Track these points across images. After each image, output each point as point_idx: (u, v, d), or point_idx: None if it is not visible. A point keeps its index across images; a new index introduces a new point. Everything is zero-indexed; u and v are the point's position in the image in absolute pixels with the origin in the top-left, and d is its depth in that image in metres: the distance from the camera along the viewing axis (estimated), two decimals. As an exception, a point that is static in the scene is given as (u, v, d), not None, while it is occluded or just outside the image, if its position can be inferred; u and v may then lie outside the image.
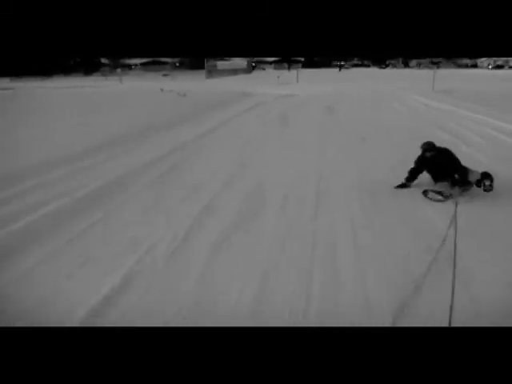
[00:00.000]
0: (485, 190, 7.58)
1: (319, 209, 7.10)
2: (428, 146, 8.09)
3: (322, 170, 9.56)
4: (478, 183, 7.68)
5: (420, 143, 8.08)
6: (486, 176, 7.66)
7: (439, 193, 7.65)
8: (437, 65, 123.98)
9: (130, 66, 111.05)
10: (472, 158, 9.49)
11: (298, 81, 50.46)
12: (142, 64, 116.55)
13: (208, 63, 76.72)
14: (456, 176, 7.72)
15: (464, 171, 7.78)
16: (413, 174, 8.18)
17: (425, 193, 7.76)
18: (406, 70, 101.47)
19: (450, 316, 3.95)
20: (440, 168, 7.98)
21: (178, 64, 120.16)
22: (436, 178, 8.12)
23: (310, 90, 35.09)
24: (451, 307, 4.09)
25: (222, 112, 20.94)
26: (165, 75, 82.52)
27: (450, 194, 7.56)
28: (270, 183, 8.57)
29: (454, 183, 7.70)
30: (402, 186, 8.16)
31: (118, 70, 69.51)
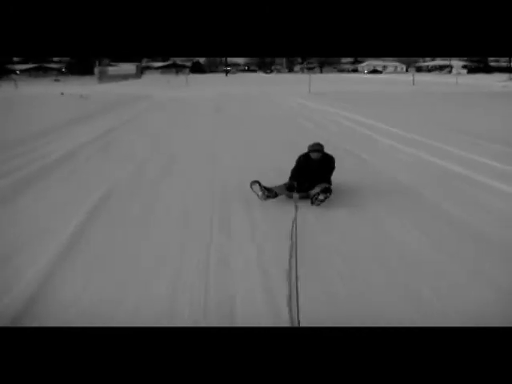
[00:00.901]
0: (312, 203, 7.37)
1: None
2: (317, 147, 7.82)
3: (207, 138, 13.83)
4: (312, 196, 7.40)
5: (286, 129, 10.86)
6: (325, 191, 7.30)
7: (268, 190, 7.44)
8: (320, 69, 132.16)
9: (14, 72, 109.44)
10: (323, 138, 11.45)
11: (187, 85, 54.44)
12: (26, 70, 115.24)
13: (99, 68, 78.84)
14: (306, 184, 7.61)
15: (319, 182, 7.60)
16: (297, 175, 7.84)
17: (252, 183, 7.47)
18: (290, 75, 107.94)
19: (298, 316, 4.01)
20: (316, 173, 7.70)
21: (64, 69, 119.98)
22: (299, 178, 7.72)
23: (200, 93, 39.09)
24: (297, 309, 4.14)
25: (126, 109, 24.66)
26: (56, 80, 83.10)
27: (275, 195, 7.49)
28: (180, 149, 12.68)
29: (299, 189, 7.56)
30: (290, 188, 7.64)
31: (13, 76, 69.96)
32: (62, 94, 39.62)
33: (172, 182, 9.13)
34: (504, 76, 73.15)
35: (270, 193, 7.45)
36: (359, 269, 5.16)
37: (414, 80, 53.19)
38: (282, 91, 39.20)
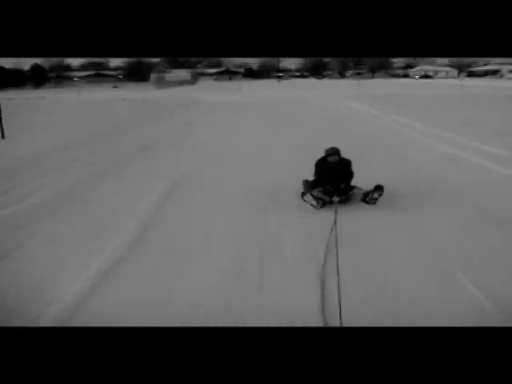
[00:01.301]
0: (366, 202, 7.68)
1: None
2: (332, 152, 8.01)
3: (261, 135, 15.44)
4: (366, 196, 7.72)
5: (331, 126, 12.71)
6: (377, 189, 7.67)
7: (318, 198, 7.63)
8: (372, 74, 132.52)
9: (71, 78, 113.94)
10: (378, 145, 13.69)
11: (241, 90, 56.35)
12: (84, 77, 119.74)
13: (156, 75, 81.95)
14: (342, 185, 7.79)
15: (349, 185, 7.91)
16: (315, 182, 8.05)
17: (303, 194, 7.79)
18: (342, 80, 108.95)
19: (340, 318, 4.07)
20: (336, 175, 7.88)
21: (120, 76, 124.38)
22: (322, 184, 7.85)
23: (253, 98, 40.81)
24: (340, 309, 4.20)
25: (181, 114, 26.49)
26: (115, 87, 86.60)
27: (328, 202, 7.67)
28: (238, 140, 14.35)
29: (336, 192, 7.70)
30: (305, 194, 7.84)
31: (77, 83, 73.76)
32: (124, 99, 42.09)
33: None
34: None
35: (322, 200, 7.63)
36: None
37: (462, 85, 53.64)
38: (333, 96, 40.57)
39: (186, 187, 9.10)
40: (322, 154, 8.01)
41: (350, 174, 8.04)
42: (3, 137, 16.07)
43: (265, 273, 5.18)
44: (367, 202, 7.67)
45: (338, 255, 5.49)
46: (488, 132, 14.64)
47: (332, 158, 7.95)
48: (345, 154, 8.02)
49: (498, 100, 31.77)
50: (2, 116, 16.42)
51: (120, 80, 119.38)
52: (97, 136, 16.48)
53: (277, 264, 5.42)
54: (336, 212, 7.11)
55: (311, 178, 8.11)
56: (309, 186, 7.92)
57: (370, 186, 7.77)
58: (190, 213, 7.43)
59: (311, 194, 7.61)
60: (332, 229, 6.44)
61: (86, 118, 24.64)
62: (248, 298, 4.60)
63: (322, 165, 8.06)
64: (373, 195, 7.62)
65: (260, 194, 8.53)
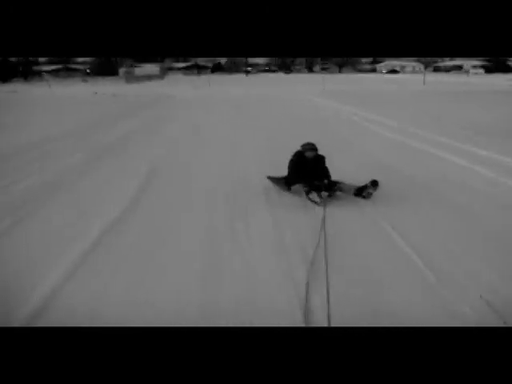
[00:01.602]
0: (363, 197, 7.66)
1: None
2: (312, 146, 8.14)
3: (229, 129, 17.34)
4: (361, 191, 7.70)
5: (288, 120, 15.19)
6: (373, 184, 7.62)
7: (318, 195, 7.59)
8: (339, 69, 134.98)
9: (39, 73, 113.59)
10: (332, 132, 15.84)
11: (210, 85, 57.98)
12: (52, 70, 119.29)
13: (126, 69, 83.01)
14: (325, 181, 7.86)
15: (331, 180, 7.98)
16: (295, 176, 8.07)
17: (307, 192, 7.70)
18: (309, 75, 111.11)
19: (329, 316, 4.07)
20: (313, 171, 8.00)
21: (88, 70, 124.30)
22: (300, 181, 7.91)
23: (221, 92, 42.51)
24: (328, 308, 4.20)
25: (151, 109, 27.78)
26: (84, 81, 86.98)
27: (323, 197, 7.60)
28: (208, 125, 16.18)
29: (322, 188, 7.70)
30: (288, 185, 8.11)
31: (46, 76, 74.33)
32: (96, 93, 43.47)
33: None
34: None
35: (321, 197, 7.58)
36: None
37: (424, 80, 56.28)
38: (299, 90, 42.74)
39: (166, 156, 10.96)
40: (277, 134, 9.67)
41: (327, 170, 8.20)
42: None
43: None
44: (363, 197, 7.69)
45: (326, 257, 5.38)
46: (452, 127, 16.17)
47: (309, 154, 8.12)
48: (309, 138, 8.87)
49: (449, 95, 34.25)
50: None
51: (88, 74, 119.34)
52: (70, 131, 18.09)
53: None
54: (324, 208, 7.08)
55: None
56: (282, 183, 8.21)
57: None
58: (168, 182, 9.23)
59: (306, 190, 7.67)
60: (321, 228, 6.36)
61: (59, 112, 26.12)
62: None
63: (298, 160, 8.15)
64: (368, 190, 7.64)
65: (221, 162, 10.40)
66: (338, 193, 7.90)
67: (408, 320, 4.18)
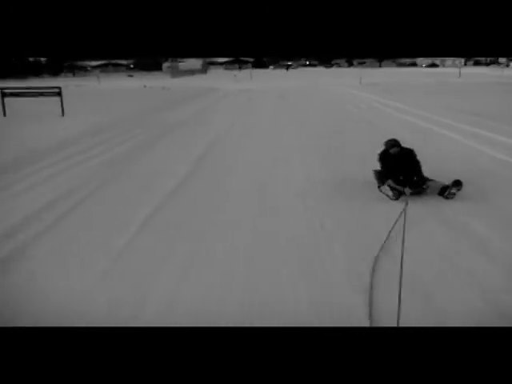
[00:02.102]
0: (446, 197, 7.52)
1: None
2: (393, 143, 8.13)
3: (276, 120, 20.24)
4: (443, 191, 7.58)
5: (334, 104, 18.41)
6: (456, 184, 7.52)
7: (394, 189, 7.62)
8: (379, 63, 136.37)
9: (85, 68, 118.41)
10: (361, 117, 18.81)
11: (251, 78, 61.00)
12: (96, 66, 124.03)
13: (171, 64, 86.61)
14: (415, 178, 7.76)
15: (421, 176, 7.89)
16: (384, 174, 8.08)
17: (379, 186, 7.89)
18: (349, 69, 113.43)
19: (398, 317, 3.97)
20: (401, 166, 7.91)
21: (132, 66, 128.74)
22: (390, 177, 7.91)
23: (263, 86, 45.53)
24: (399, 308, 4.05)
25: (201, 99, 30.85)
26: (130, 76, 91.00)
27: (402, 193, 7.57)
28: (256, 120, 19.14)
29: (409, 184, 7.62)
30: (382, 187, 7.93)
31: (96, 72, 78.63)
32: (145, 86, 46.82)
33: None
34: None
35: (398, 191, 7.59)
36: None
37: (460, 73, 58.34)
38: (337, 83, 45.43)
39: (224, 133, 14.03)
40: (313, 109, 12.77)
41: (417, 163, 8.06)
42: (63, 115, 20.59)
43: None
44: (446, 197, 7.53)
45: (402, 254, 4.93)
46: (456, 112, 18.69)
47: (393, 150, 8.11)
48: (339, 121, 12.32)
49: (483, 86, 36.51)
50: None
51: (131, 69, 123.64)
52: (141, 113, 21.27)
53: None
54: (406, 204, 6.62)
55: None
56: (380, 178, 8.14)
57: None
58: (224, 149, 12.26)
59: (388, 185, 7.70)
60: (399, 220, 6.21)
61: (122, 100, 29.30)
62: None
63: (385, 158, 8.20)
64: (451, 190, 7.50)
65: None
66: (428, 190, 7.75)
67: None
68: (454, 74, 62.78)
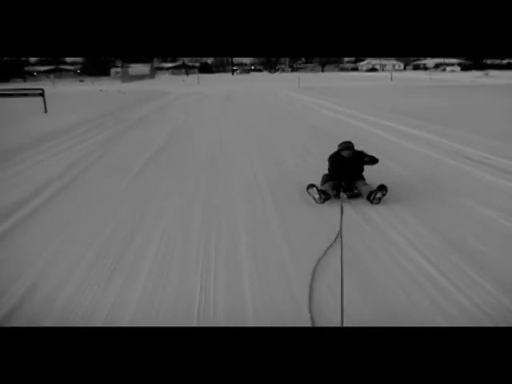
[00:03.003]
0: (371, 202, 7.67)
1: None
2: (348, 145, 8.14)
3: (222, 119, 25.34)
4: (370, 195, 7.70)
5: (272, 107, 24.14)
6: (381, 188, 7.67)
7: (323, 192, 7.74)
8: (322, 68, 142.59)
9: (32, 73, 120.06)
10: (294, 113, 23.72)
11: (199, 83, 65.96)
12: (44, 71, 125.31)
13: (121, 69, 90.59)
14: (354, 182, 8.03)
15: (362, 180, 8.12)
16: (336, 175, 8.13)
17: (309, 186, 7.84)
18: (293, 74, 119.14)
19: (342, 316, 4.03)
20: (350, 170, 8.07)
21: (79, 71, 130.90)
22: (334, 178, 8.05)
23: (211, 89, 50.52)
24: (342, 308, 4.13)
25: (157, 100, 35.67)
26: (81, 81, 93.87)
27: (330, 197, 7.78)
28: (204, 115, 24.14)
29: (345, 188, 7.88)
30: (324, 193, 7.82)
31: (51, 77, 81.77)
32: (101, 90, 51.08)
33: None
34: (481, 72, 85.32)
35: (325, 195, 7.72)
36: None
37: (392, 77, 64.72)
38: (279, 87, 50.92)
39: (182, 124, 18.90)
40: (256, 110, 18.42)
41: (362, 165, 8.27)
42: (46, 111, 24.91)
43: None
44: (371, 202, 7.74)
45: (342, 256, 5.13)
46: (382, 111, 22.73)
47: (345, 153, 8.12)
48: (276, 116, 17.79)
49: (401, 89, 42.66)
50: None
51: (79, 74, 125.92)
52: (109, 112, 25.96)
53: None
54: (342, 209, 6.64)
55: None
56: (325, 180, 8.19)
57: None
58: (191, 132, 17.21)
59: (317, 188, 7.78)
60: (339, 232, 6.37)
61: (87, 103, 33.57)
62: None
63: (336, 160, 8.22)
64: (376, 195, 7.68)
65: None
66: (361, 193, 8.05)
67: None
68: (387, 77, 69.10)
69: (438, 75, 79.81)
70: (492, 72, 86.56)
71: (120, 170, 11.01)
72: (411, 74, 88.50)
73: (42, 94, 24.66)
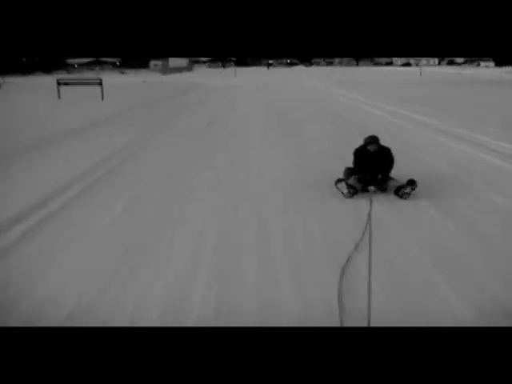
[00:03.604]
0: (400, 197, 7.82)
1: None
2: (372, 140, 8.19)
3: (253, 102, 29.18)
4: (398, 190, 7.88)
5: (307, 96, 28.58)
6: (410, 183, 7.84)
7: (351, 186, 7.96)
8: (357, 62, 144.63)
9: (73, 66, 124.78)
10: (327, 105, 27.12)
11: (235, 75, 69.80)
12: (83, 64, 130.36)
13: (162, 62, 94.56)
14: (379, 176, 8.07)
15: (387, 175, 8.21)
16: (355, 168, 8.29)
17: (337, 181, 8.12)
18: (328, 67, 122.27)
19: (369, 315, 4.25)
20: (376, 165, 8.10)
21: (118, 64, 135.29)
22: (363, 173, 8.12)
23: (246, 81, 54.27)
24: (369, 306, 4.36)
25: (200, 89, 40.05)
26: (122, 73, 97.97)
27: (357, 191, 8.02)
28: (241, 102, 27.97)
29: (372, 182, 8.03)
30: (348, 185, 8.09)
31: (96, 69, 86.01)
32: (144, 81, 55.06)
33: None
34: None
35: (354, 190, 7.99)
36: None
37: (421, 72, 67.70)
38: (311, 80, 54.87)
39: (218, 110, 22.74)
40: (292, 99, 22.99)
41: (391, 162, 8.32)
42: (103, 99, 29.00)
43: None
44: (400, 196, 7.86)
45: (370, 253, 5.52)
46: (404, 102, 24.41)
47: (371, 147, 8.17)
48: (303, 102, 22.65)
49: (434, 82, 46.02)
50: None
51: (118, 67, 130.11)
52: (157, 98, 30.01)
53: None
54: (371, 202, 7.12)
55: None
56: (349, 174, 8.27)
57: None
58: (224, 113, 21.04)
59: (345, 182, 7.99)
60: (366, 224, 6.70)
61: (135, 92, 37.76)
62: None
63: (361, 154, 8.30)
64: (405, 190, 7.80)
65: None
66: (388, 188, 8.22)
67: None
68: (417, 72, 71.98)
69: (469, 70, 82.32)
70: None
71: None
72: (442, 69, 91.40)
73: (101, 84, 28.91)
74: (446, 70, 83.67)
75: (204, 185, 9.35)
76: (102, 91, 28.64)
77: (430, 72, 71.54)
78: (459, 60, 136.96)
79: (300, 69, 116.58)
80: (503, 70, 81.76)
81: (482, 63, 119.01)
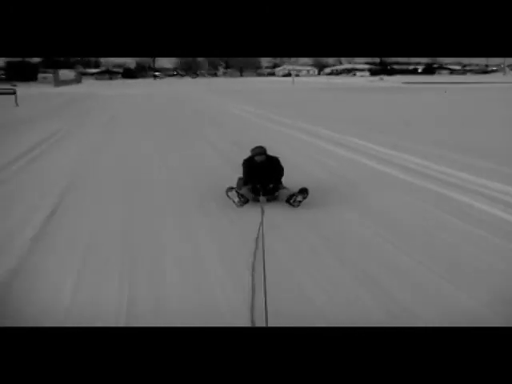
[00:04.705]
0: (291, 205, 7.92)
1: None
2: (260, 150, 8.35)
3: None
4: (290, 198, 7.98)
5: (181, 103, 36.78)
6: (302, 192, 7.95)
7: (242, 195, 7.98)
8: (240, 73, 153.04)
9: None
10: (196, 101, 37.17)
11: (124, 86, 76.68)
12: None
13: (53, 75, 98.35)
14: (270, 185, 8.25)
15: (278, 184, 8.36)
16: (246, 179, 8.41)
17: (229, 190, 8.08)
18: (211, 79, 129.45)
19: (266, 316, 4.37)
20: (264, 175, 8.25)
21: (3, 76, 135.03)
22: (253, 183, 8.27)
23: (135, 91, 61.23)
24: (265, 308, 4.49)
25: (95, 97, 46.62)
26: (13, 85, 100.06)
27: (247, 201, 8.04)
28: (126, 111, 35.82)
29: (263, 192, 8.12)
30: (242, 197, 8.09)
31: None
32: (41, 93, 60.71)
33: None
34: (378, 77, 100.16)
35: (244, 199, 8.03)
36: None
37: (293, 81, 77.97)
38: (192, 89, 62.81)
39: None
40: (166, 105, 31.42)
41: (280, 172, 8.53)
42: (17, 105, 35.49)
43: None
44: (291, 204, 7.98)
45: (264, 260, 5.69)
46: (266, 105, 32.72)
47: (258, 158, 8.36)
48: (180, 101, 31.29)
49: (295, 90, 55.44)
50: None
51: (2, 80, 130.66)
52: (66, 103, 37.02)
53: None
54: (262, 211, 7.24)
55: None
56: (240, 184, 8.49)
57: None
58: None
59: (236, 191, 8.05)
60: (259, 229, 6.76)
61: (45, 100, 43.65)
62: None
63: (249, 164, 8.47)
64: (296, 198, 7.94)
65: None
66: (279, 197, 8.38)
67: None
68: (290, 81, 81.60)
69: (339, 79, 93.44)
70: (386, 77, 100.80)
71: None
72: (318, 79, 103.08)
73: (15, 93, 35.99)
74: (318, 80, 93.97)
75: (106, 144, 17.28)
76: (16, 98, 35.22)
77: (302, 82, 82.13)
78: (339, 68, 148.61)
79: (186, 80, 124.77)
80: (369, 79, 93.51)
81: (358, 73, 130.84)
